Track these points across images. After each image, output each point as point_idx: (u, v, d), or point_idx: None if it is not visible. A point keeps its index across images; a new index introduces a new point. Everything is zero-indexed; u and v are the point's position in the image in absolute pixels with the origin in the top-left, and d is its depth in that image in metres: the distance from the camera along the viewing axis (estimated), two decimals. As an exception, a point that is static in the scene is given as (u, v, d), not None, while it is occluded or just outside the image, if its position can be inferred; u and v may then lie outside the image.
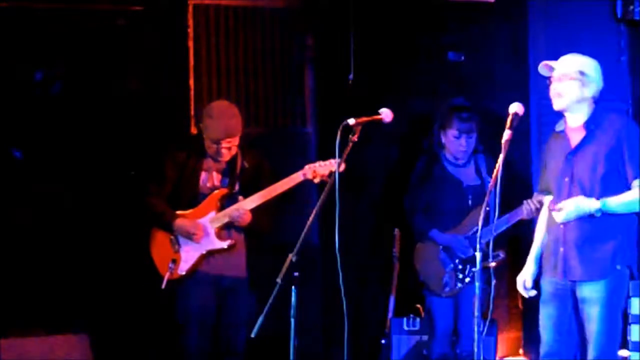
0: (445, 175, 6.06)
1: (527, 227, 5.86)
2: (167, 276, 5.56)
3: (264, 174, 5.73)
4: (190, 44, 6.37)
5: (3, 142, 6.27)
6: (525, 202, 5.57)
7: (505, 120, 4.67)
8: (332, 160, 5.35)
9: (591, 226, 4.86)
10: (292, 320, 4.29)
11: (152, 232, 5.72)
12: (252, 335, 4.27)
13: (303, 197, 6.24)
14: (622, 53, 6.69)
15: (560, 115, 5.05)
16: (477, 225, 4.58)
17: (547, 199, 5.13)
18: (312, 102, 6.57)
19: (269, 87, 6.50)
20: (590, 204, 4.83)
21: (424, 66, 6.65)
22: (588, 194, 4.86)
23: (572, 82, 4.90)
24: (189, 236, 5.61)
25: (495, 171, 4.48)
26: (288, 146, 6.50)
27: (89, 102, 6.30)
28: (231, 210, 5.59)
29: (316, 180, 5.47)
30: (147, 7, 6.31)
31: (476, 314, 4.47)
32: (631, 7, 6.52)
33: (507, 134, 4.59)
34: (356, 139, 4.46)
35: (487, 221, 4.70)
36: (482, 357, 4.53)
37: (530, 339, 6.28)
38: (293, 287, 4.28)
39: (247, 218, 5.58)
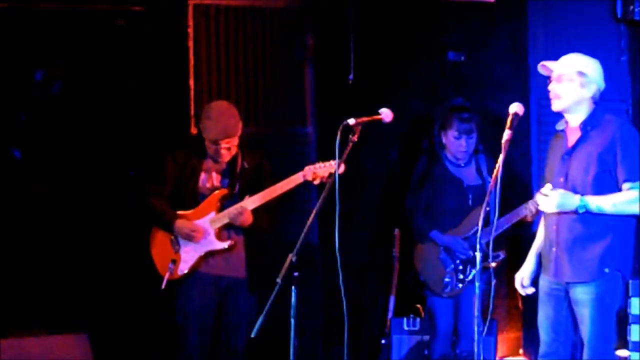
0: (446, 175, 6.06)
1: (527, 227, 5.86)
2: (166, 276, 5.57)
3: (265, 174, 5.72)
4: (190, 44, 6.37)
5: (3, 142, 6.27)
6: (528, 203, 5.58)
7: (505, 121, 4.68)
8: (332, 162, 5.35)
9: (582, 227, 4.85)
10: (292, 320, 4.28)
11: (153, 232, 5.72)
12: (252, 335, 4.26)
13: (303, 197, 6.25)
14: (622, 53, 6.69)
15: (560, 115, 5.05)
16: (477, 225, 4.58)
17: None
18: (312, 102, 6.57)
19: (269, 87, 6.50)
20: (574, 199, 4.80)
21: (424, 66, 6.65)
22: (580, 194, 4.85)
23: (571, 84, 4.89)
24: (189, 237, 5.61)
25: (495, 171, 4.49)
26: (288, 146, 6.49)
27: (88, 102, 6.30)
28: (231, 211, 5.59)
29: (316, 182, 5.47)
30: (147, 7, 6.31)
31: (476, 314, 4.47)
32: (631, 7, 6.52)
33: (507, 134, 4.59)
34: (356, 139, 4.46)
35: (487, 221, 4.69)
36: (482, 357, 4.53)
37: (530, 339, 6.28)
38: (293, 287, 4.28)
39: (248, 219, 5.58)
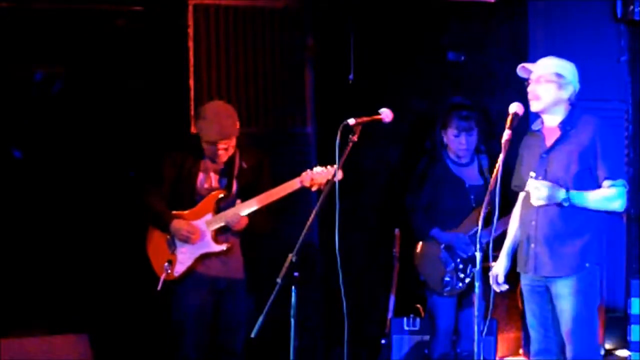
0: (448, 175, 6.06)
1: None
2: (163, 277, 5.54)
3: (263, 174, 5.70)
4: (190, 44, 6.36)
5: (3, 142, 6.27)
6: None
7: (505, 120, 4.69)
8: (330, 167, 5.35)
9: (561, 223, 4.94)
10: (292, 320, 4.29)
11: (149, 231, 5.69)
12: (252, 335, 4.26)
13: (303, 198, 6.24)
14: (622, 53, 6.70)
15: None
16: (478, 225, 4.59)
17: (521, 196, 5.18)
18: (312, 102, 6.56)
19: (269, 87, 6.49)
20: (560, 192, 4.88)
21: (424, 66, 6.65)
22: None
23: (549, 85, 4.99)
24: (186, 239, 5.58)
25: (495, 171, 4.50)
26: (288, 146, 6.49)
27: (88, 102, 6.30)
28: (228, 214, 5.56)
29: (313, 189, 5.47)
30: (147, 7, 6.31)
31: (476, 313, 4.48)
32: (631, 7, 6.54)
33: (507, 134, 4.64)
34: (356, 139, 4.47)
35: (487, 221, 4.69)
36: (482, 357, 4.54)
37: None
38: (293, 287, 4.28)
39: (243, 223, 5.56)
